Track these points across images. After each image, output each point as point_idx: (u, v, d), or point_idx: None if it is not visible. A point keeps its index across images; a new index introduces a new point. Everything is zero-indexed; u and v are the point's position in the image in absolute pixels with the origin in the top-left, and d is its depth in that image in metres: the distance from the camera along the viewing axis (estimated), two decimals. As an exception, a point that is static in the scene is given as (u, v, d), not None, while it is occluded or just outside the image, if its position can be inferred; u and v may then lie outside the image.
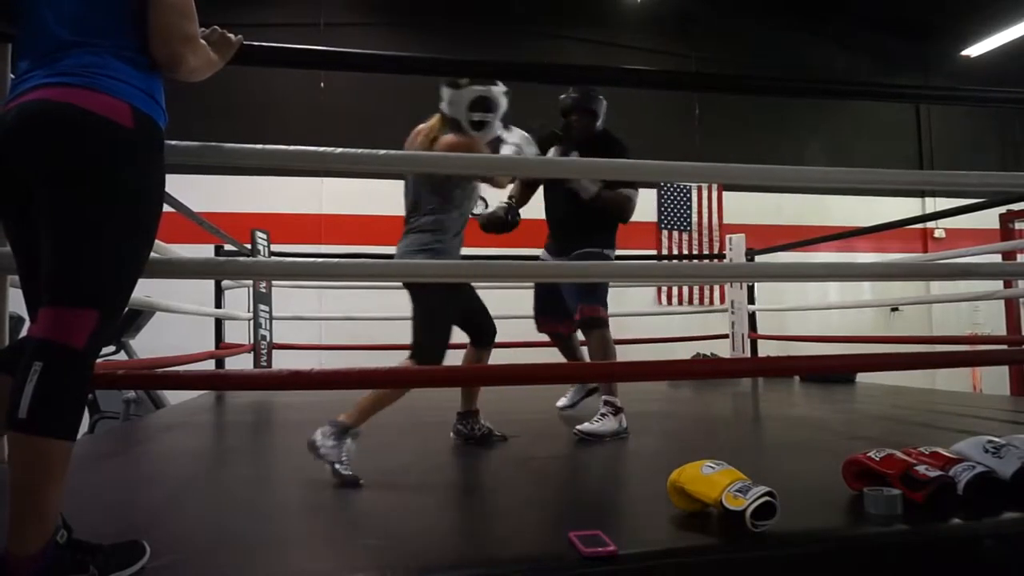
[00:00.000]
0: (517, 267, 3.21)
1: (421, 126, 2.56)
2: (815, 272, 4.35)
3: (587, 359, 3.28)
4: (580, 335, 3.24)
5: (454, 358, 2.53)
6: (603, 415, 2.81)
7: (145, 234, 1.32)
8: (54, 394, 1.16)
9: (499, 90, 2.46)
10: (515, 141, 2.60)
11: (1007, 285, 5.16)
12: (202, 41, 1.49)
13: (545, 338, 5.83)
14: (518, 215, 3.00)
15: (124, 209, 1.26)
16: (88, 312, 1.20)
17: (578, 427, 2.78)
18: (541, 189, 3.29)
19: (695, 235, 8.41)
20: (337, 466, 2.01)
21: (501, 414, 3.54)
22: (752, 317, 5.59)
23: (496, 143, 2.60)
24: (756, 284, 5.71)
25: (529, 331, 5.98)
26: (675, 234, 8.38)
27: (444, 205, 2.44)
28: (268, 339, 4.57)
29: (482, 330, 2.70)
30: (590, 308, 2.94)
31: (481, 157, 2.43)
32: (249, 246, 4.43)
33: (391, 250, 4.05)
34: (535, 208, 3.34)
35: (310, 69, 6.86)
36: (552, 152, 3.06)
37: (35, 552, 1.12)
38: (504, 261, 4.94)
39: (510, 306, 5.97)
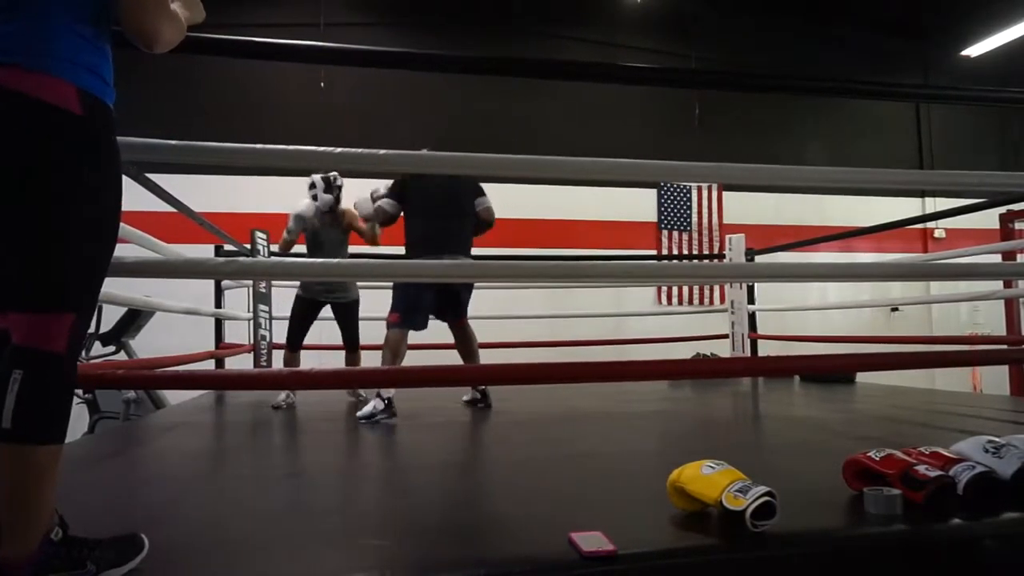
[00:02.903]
0: (518, 267, 3.21)
1: None
2: (815, 272, 4.36)
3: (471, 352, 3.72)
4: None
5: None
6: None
7: (110, 227, 1.25)
8: (37, 401, 1.12)
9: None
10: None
11: (1007, 285, 5.16)
12: (174, 8, 1.32)
13: (545, 338, 5.85)
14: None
15: (84, 205, 1.18)
16: (64, 316, 1.15)
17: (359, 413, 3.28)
18: None
19: (695, 235, 8.42)
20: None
21: (502, 413, 3.54)
22: (752, 317, 5.59)
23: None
24: (756, 284, 5.71)
25: (531, 331, 5.99)
26: (675, 234, 8.39)
27: None
28: (268, 339, 4.57)
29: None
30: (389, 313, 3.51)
31: (476, 157, 2.44)
32: (249, 246, 4.43)
33: (391, 250, 4.07)
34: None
35: (313, 64, 6.85)
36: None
37: (29, 552, 1.12)
38: (503, 261, 4.94)
39: (511, 306, 6.00)
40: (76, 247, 1.18)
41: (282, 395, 3.84)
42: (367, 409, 3.26)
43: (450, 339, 3.75)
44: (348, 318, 4.18)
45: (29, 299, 1.15)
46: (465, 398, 3.83)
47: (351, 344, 4.17)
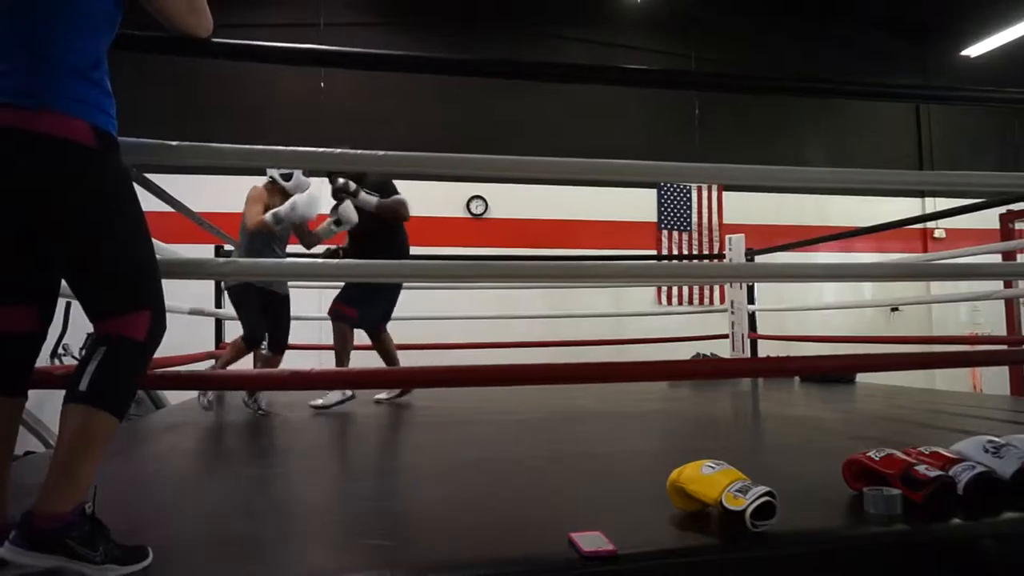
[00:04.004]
0: (519, 267, 3.21)
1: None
2: (815, 272, 4.36)
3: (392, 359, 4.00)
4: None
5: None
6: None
7: (143, 231, 1.40)
8: (112, 374, 1.29)
9: None
10: (295, 202, 3.50)
11: (1007, 285, 5.16)
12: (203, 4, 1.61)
13: (545, 338, 5.85)
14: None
15: (118, 222, 1.34)
16: (141, 314, 1.34)
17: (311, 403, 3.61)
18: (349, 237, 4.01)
19: (695, 235, 8.41)
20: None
21: (502, 413, 3.54)
22: (752, 317, 5.59)
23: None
24: (756, 284, 5.71)
25: (531, 331, 5.98)
26: (675, 234, 8.38)
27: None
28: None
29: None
30: (335, 304, 3.76)
31: (477, 157, 2.44)
32: (249, 246, 4.41)
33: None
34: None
35: (312, 66, 6.84)
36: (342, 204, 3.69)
37: (64, 512, 1.20)
38: (502, 262, 4.94)
39: (511, 306, 6.00)
40: (124, 257, 1.35)
41: (261, 398, 3.72)
42: (330, 398, 3.62)
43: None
44: (286, 313, 3.87)
45: (108, 308, 1.34)
46: (381, 396, 3.96)
47: (282, 345, 3.83)
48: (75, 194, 1.28)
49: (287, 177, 3.67)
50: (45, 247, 1.32)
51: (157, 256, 1.47)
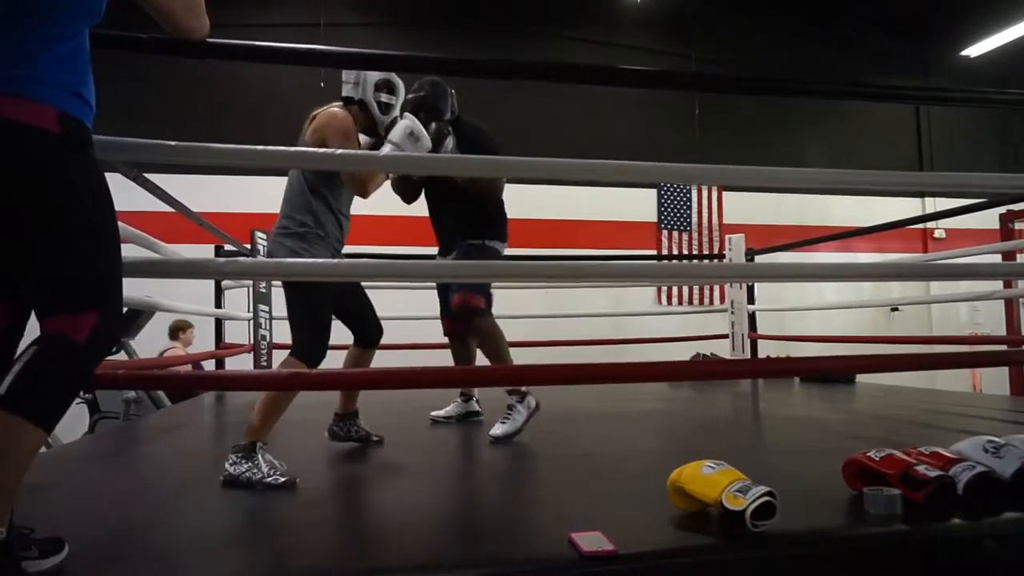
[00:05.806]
0: (517, 267, 3.21)
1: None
2: (815, 272, 4.35)
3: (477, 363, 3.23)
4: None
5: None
6: (510, 408, 2.80)
7: (108, 230, 1.30)
8: (38, 378, 1.15)
9: (397, 78, 2.49)
10: (396, 140, 2.41)
11: (1007, 285, 5.16)
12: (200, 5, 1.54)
13: (545, 338, 5.84)
14: None
15: (77, 215, 1.23)
16: (86, 315, 1.20)
17: (491, 433, 2.73)
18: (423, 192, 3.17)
19: (695, 235, 8.42)
20: (267, 480, 1.96)
21: (500, 414, 3.54)
22: (752, 317, 5.59)
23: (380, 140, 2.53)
24: (756, 284, 5.71)
25: (530, 331, 5.97)
26: (675, 234, 8.39)
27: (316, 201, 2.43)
28: (268, 339, 4.56)
29: (366, 329, 2.68)
30: (464, 296, 2.87)
31: (477, 158, 2.43)
32: (249, 246, 4.43)
33: (392, 250, 4.03)
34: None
35: (313, 66, 6.85)
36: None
37: None
38: (503, 261, 4.94)
39: (510, 306, 5.99)
40: (85, 252, 1.23)
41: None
42: (516, 420, 2.75)
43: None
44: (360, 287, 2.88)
45: (54, 304, 1.21)
46: (444, 414, 3.36)
47: (379, 331, 2.83)
48: (32, 182, 1.19)
49: (386, 108, 2.53)
50: (8, 239, 1.22)
51: (157, 256, 1.45)
